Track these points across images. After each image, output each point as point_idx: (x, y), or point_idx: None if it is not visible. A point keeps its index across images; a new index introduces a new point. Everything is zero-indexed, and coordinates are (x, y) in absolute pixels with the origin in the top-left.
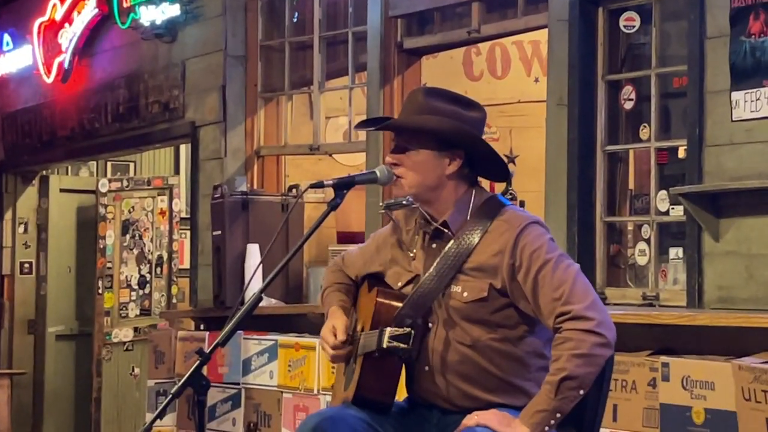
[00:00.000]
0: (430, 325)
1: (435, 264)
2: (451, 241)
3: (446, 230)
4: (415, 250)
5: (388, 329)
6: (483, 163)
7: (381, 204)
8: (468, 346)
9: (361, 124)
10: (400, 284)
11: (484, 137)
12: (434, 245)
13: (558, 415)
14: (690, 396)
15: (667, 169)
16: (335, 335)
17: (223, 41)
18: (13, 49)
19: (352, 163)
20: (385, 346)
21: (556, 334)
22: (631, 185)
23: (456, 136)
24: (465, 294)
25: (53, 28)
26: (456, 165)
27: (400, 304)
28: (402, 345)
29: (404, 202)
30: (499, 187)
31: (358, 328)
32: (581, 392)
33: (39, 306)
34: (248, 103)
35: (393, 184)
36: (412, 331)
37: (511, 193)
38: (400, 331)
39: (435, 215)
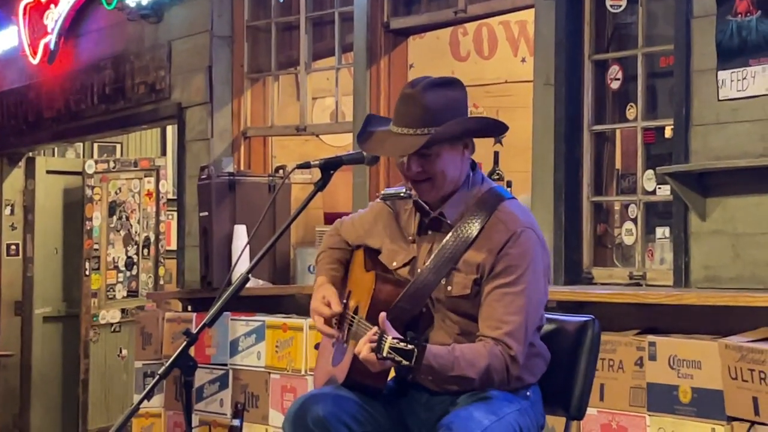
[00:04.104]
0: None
1: (433, 256)
2: (450, 233)
3: (444, 220)
4: (412, 234)
5: (389, 339)
6: (483, 134)
7: (378, 194)
8: (458, 335)
9: (366, 142)
10: (395, 264)
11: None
12: (430, 232)
13: (430, 378)
14: (677, 375)
15: (654, 148)
16: (329, 305)
17: (209, 22)
18: None
19: (338, 144)
20: (384, 354)
21: (488, 339)
22: (618, 165)
23: (478, 127)
24: (449, 288)
25: (39, 9)
26: (468, 151)
27: (398, 291)
28: (404, 361)
29: (402, 195)
30: (486, 168)
31: (352, 303)
32: (455, 385)
33: (26, 288)
34: (235, 84)
35: (416, 190)
36: (416, 350)
37: (498, 173)
38: (402, 345)
39: (434, 203)
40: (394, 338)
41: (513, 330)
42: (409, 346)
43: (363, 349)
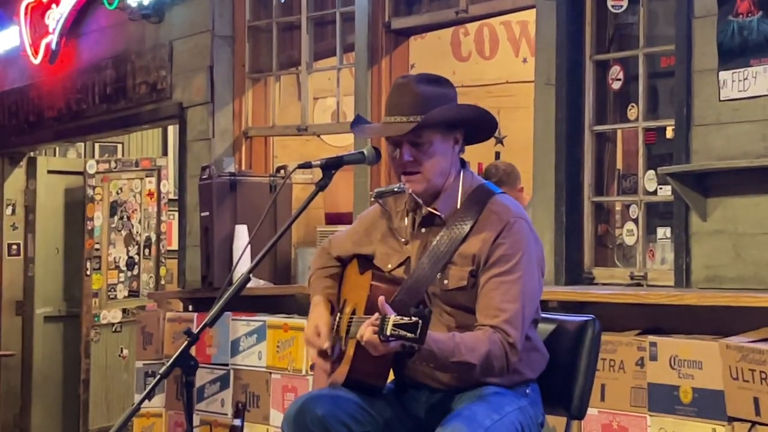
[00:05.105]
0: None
1: (428, 252)
2: (443, 230)
3: (437, 216)
4: (406, 236)
5: (392, 317)
6: (474, 132)
7: (371, 192)
8: (455, 328)
9: (361, 130)
10: (390, 266)
11: None
12: (424, 230)
13: (431, 364)
14: (678, 375)
15: (655, 148)
16: (319, 335)
17: (210, 22)
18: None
19: (339, 144)
20: (388, 333)
21: (486, 327)
22: (619, 165)
23: (467, 116)
24: (446, 282)
25: (40, 9)
26: (458, 146)
27: (395, 289)
28: (409, 334)
29: (395, 189)
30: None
31: (348, 309)
32: (456, 372)
33: (27, 287)
34: (236, 84)
35: (407, 182)
36: (420, 322)
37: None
38: (406, 320)
39: (426, 199)
40: (396, 316)
41: (510, 317)
42: (413, 319)
43: (366, 332)
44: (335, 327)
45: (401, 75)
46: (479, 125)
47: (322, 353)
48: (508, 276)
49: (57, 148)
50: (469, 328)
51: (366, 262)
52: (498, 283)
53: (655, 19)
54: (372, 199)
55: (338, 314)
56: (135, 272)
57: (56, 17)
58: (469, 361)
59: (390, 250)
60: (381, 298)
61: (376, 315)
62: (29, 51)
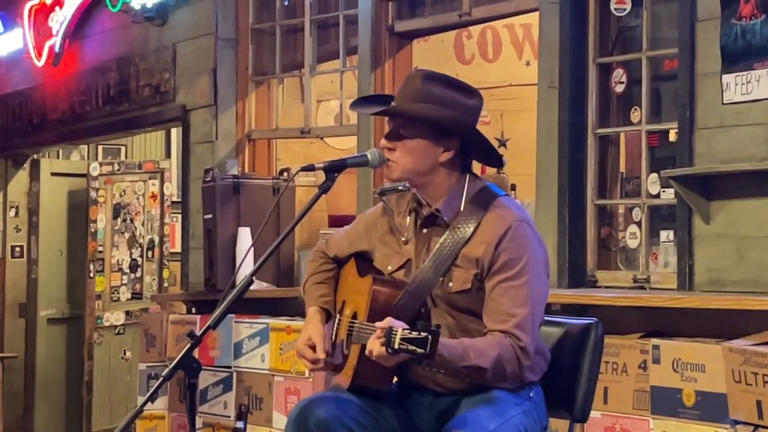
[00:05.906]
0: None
1: (432, 254)
2: (446, 232)
3: (439, 217)
4: (407, 235)
5: (399, 330)
6: (477, 150)
7: (375, 189)
8: (458, 332)
9: (358, 104)
10: (390, 268)
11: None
12: (426, 230)
13: (442, 370)
14: (680, 378)
15: (658, 151)
16: (313, 349)
17: (213, 24)
18: (3, 32)
19: (343, 147)
20: (397, 347)
21: (496, 332)
22: (622, 168)
23: (452, 126)
24: (450, 284)
25: (44, 12)
26: (450, 154)
27: (397, 293)
28: (419, 349)
29: (400, 188)
30: (490, 171)
31: (348, 311)
32: (468, 377)
33: (30, 289)
34: (239, 87)
35: (385, 167)
36: (430, 336)
37: (502, 176)
38: (414, 334)
39: (428, 200)
40: (404, 329)
41: (520, 322)
42: (423, 334)
43: (374, 346)
44: (335, 329)
45: (421, 69)
46: (474, 141)
47: (315, 363)
48: (515, 281)
49: (60, 151)
50: (471, 331)
51: (364, 262)
52: (505, 288)
53: (658, 22)
54: (375, 196)
55: (338, 316)
56: (138, 274)
57: (60, 20)
58: (480, 365)
59: (390, 251)
60: (387, 319)
61: (380, 327)
62: (33, 53)
